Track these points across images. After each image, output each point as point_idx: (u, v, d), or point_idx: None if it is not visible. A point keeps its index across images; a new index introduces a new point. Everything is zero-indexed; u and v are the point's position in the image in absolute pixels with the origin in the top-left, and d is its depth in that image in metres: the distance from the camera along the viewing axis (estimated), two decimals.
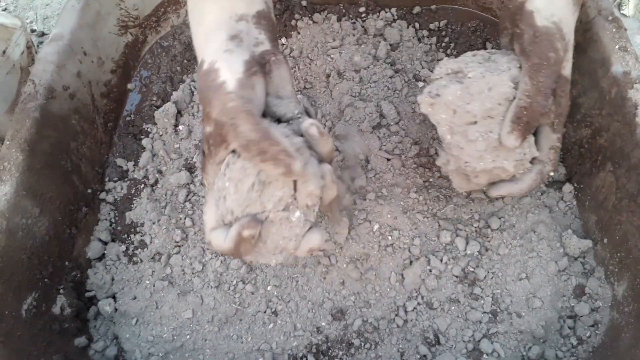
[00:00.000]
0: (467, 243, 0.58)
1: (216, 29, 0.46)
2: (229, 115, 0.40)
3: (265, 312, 0.56)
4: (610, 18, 0.60)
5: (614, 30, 0.59)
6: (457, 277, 0.57)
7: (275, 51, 0.47)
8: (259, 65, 0.44)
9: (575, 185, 0.63)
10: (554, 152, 0.54)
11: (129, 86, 0.75)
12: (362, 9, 0.78)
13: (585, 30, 0.62)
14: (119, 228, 0.64)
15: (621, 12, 1.00)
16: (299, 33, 0.76)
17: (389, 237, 0.58)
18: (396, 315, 0.56)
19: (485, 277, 0.57)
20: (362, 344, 0.55)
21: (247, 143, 0.40)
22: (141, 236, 0.62)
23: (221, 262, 0.59)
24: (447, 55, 0.73)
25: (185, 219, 0.62)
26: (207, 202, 0.46)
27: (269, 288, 0.57)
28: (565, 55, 0.50)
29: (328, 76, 0.72)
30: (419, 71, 0.72)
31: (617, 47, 0.58)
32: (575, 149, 0.63)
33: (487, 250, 0.59)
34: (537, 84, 0.48)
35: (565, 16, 0.50)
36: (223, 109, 0.40)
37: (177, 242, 0.61)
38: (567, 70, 0.51)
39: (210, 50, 0.45)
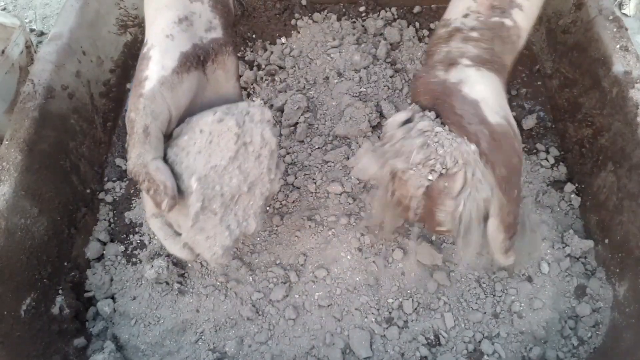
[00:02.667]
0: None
1: (167, 6, 0.44)
2: (129, 125, 0.41)
3: (262, 314, 0.56)
4: (611, 17, 0.60)
5: (614, 29, 0.59)
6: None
7: (226, 40, 0.45)
8: (197, 59, 0.43)
9: (577, 185, 0.62)
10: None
11: (128, 86, 0.75)
12: (362, 8, 0.78)
13: (586, 30, 0.62)
14: (117, 228, 0.63)
15: (622, 11, 1.00)
16: (299, 32, 0.76)
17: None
18: (397, 316, 0.55)
19: (486, 278, 0.57)
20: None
21: (130, 167, 0.41)
22: (140, 236, 0.62)
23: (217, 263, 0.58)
24: None
25: None
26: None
27: (268, 289, 0.57)
28: (518, 150, 0.43)
29: (328, 76, 0.72)
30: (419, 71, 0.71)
31: (618, 46, 0.58)
32: (576, 149, 0.63)
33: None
34: (510, 198, 0.42)
35: (507, 108, 0.43)
36: (129, 114, 0.41)
37: None
38: (520, 162, 0.44)
39: (154, 31, 0.44)
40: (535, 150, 0.66)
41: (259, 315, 0.56)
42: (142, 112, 0.41)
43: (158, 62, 0.42)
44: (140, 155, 0.41)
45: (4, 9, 1.08)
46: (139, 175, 0.41)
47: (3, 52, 0.73)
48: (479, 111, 0.42)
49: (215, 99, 0.47)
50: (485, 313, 0.55)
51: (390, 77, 0.71)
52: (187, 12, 0.44)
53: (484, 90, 0.43)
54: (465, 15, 0.46)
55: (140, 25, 0.76)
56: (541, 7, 0.47)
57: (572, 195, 0.62)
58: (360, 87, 0.70)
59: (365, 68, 0.71)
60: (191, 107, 0.46)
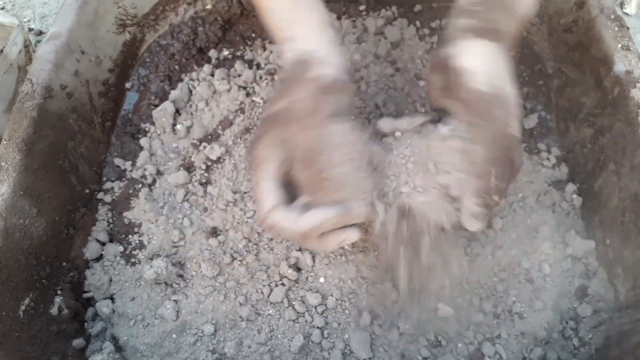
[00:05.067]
0: (468, 244, 0.58)
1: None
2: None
3: (265, 315, 0.56)
4: (612, 17, 0.60)
5: (616, 29, 0.59)
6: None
7: None
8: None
9: (578, 185, 0.62)
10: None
11: (127, 85, 0.74)
12: (362, 7, 0.77)
13: (587, 29, 0.62)
14: (116, 228, 0.63)
15: (623, 10, 1.00)
16: None
17: None
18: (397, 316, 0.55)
19: (487, 278, 0.57)
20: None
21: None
22: (139, 237, 0.62)
23: (217, 263, 0.58)
24: None
25: (183, 219, 0.62)
26: (260, 178, 0.45)
27: (269, 290, 0.57)
28: (509, 115, 0.44)
29: None
30: (420, 70, 0.71)
31: (619, 45, 0.58)
32: (577, 149, 0.63)
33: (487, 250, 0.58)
34: (491, 154, 0.43)
35: (502, 74, 0.45)
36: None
37: (174, 242, 0.60)
38: (518, 130, 0.45)
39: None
40: (536, 150, 0.66)
41: (259, 316, 0.56)
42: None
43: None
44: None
45: (2, 8, 1.08)
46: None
47: (1, 51, 0.72)
48: (464, 80, 0.44)
49: None
50: (486, 314, 0.55)
51: (391, 76, 0.70)
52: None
53: (474, 60, 0.45)
54: None
55: (139, 24, 0.76)
56: None
57: (574, 196, 0.62)
58: (360, 87, 0.70)
59: (365, 67, 0.71)
60: None
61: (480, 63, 0.45)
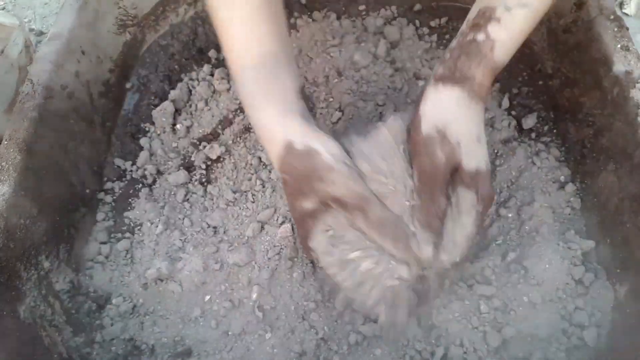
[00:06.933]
0: None
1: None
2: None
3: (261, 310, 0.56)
4: (611, 17, 0.60)
5: (615, 29, 0.59)
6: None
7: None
8: None
9: (578, 185, 0.62)
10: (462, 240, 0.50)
11: (128, 85, 0.74)
12: (362, 7, 0.77)
13: (586, 30, 0.62)
14: (117, 228, 0.63)
15: (623, 11, 1.00)
16: (298, 31, 0.76)
17: None
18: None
19: (486, 278, 0.57)
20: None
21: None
22: (140, 236, 0.62)
23: (217, 262, 0.58)
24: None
25: (184, 219, 0.62)
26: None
27: (268, 291, 0.57)
28: (454, 155, 0.47)
29: (327, 75, 0.71)
30: (420, 69, 0.71)
31: (618, 46, 0.58)
32: (577, 149, 0.63)
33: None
34: (426, 190, 0.48)
35: (454, 117, 0.48)
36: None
37: (175, 242, 0.61)
38: (472, 164, 0.48)
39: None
40: (536, 150, 0.66)
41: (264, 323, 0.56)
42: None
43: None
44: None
45: (3, 9, 1.08)
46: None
47: (2, 51, 0.73)
48: (415, 126, 0.48)
49: None
50: (486, 314, 0.55)
51: (390, 76, 0.70)
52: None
53: (426, 105, 0.48)
54: (455, 39, 0.51)
55: (140, 24, 0.76)
56: (532, 18, 0.48)
57: (574, 196, 0.62)
58: (360, 87, 0.70)
59: (365, 67, 0.71)
60: None
61: (433, 107, 0.48)
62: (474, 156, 0.48)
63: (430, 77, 0.50)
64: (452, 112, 0.48)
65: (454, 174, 0.48)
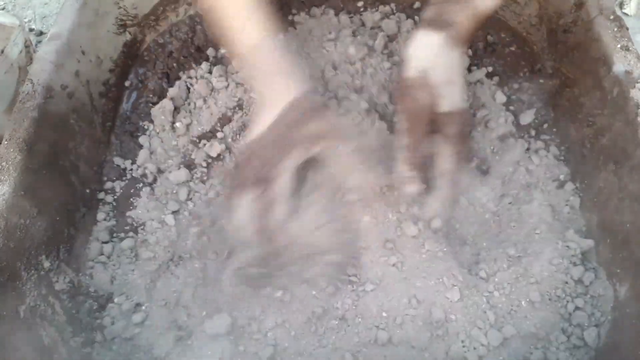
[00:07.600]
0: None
1: None
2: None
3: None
4: (611, 17, 0.60)
5: (615, 29, 0.59)
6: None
7: None
8: None
9: (578, 184, 0.62)
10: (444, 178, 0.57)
11: (127, 85, 0.74)
12: (360, 3, 0.77)
13: (586, 30, 0.62)
14: (118, 228, 0.63)
15: (623, 11, 1.00)
16: (296, 28, 0.76)
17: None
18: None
19: (486, 278, 0.57)
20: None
21: None
22: (141, 236, 0.62)
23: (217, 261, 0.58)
24: None
25: (188, 216, 0.62)
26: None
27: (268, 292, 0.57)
28: (433, 98, 0.53)
29: (323, 69, 0.71)
30: None
31: (618, 46, 0.58)
32: (577, 149, 0.63)
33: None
34: (409, 129, 0.54)
35: (436, 62, 0.53)
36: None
37: (175, 242, 0.61)
38: (445, 106, 0.54)
39: None
40: (535, 150, 0.66)
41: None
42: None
43: None
44: None
45: (3, 9, 1.08)
46: None
47: (2, 51, 0.73)
48: (401, 68, 0.54)
49: None
50: (485, 314, 0.55)
51: (388, 69, 0.70)
52: None
53: (412, 48, 0.54)
54: None
55: (140, 24, 0.76)
56: None
57: (573, 195, 0.62)
58: (355, 80, 0.69)
59: (361, 60, 0.71)
60: None
61: (416, 51, 0.53)
62: (449, 99, 0.54)
63: (420, 19, 0.56)
64: (433, 58, 0.53)
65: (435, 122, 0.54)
